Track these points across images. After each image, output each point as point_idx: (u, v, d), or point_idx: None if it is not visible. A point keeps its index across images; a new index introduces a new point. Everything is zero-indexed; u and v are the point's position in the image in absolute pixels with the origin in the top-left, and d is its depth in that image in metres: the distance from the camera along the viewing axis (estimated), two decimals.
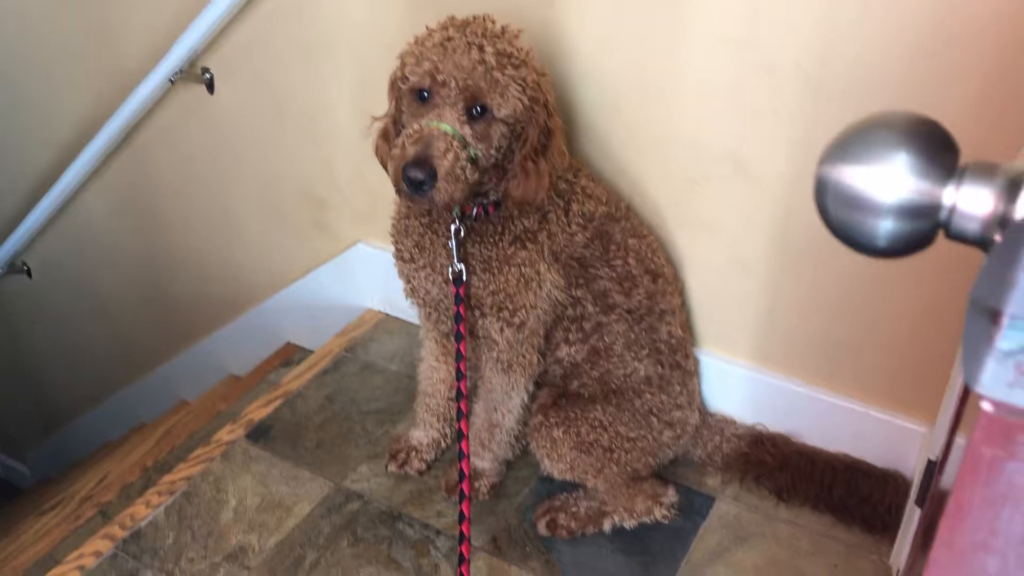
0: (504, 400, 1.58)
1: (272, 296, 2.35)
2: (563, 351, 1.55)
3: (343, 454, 1.79)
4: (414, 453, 1.72)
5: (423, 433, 1.73)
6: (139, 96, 2.11)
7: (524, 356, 1.51)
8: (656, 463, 1.64)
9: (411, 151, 1.24)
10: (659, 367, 1.57)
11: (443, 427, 1.74)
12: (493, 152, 1.31)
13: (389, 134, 1.39)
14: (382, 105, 1.43)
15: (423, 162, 1.23)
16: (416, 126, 1.27)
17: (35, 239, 2.72)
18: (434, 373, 1.70)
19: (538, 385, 1.62)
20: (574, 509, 1.60)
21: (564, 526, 1.59)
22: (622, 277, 1.51)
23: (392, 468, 1.73)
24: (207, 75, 2.06)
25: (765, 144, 1.49)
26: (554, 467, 1.56)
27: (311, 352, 2.14)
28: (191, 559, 1.59)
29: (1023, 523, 0.37)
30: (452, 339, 1.51)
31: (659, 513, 1.60)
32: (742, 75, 1.46)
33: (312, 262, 2.23)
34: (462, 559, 1.27)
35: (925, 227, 0.36)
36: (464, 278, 1.41)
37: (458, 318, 1.39)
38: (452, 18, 1.33)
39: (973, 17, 1.23)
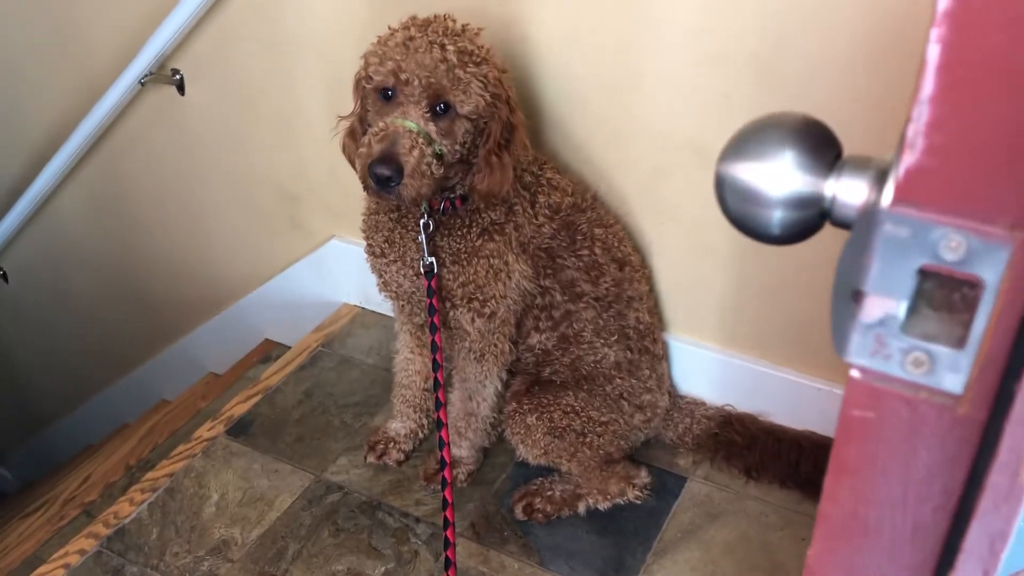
0: (479, 389, 1.61)
1: (249, 293, 2.37)
2: (534, 339, 1.59)
3: (322, 447, 1.82)
4: (392, 444, 1.76)
5: (400, 424, 1.77)
6: (110, 99, 2.12)
7: (496, 345, 1.55)
8: (628, 446, 1.68)
9: (377, 148, 1.27)
10: (628, 352, 1.61)
11: (420, 418, 1.77)
12: (458, 148, 1.35)
13: (356, 133, 1.42)
14: (350, 104, 1.46)
15: (389, 159, 1.26)
16: (382, 124, 1.30)
17: (10, 244, 2.73)
18: (409, 365, 1.73)
19: (512, 373, 1.66)
20: (549, 493, 1.64)
21: (540, 510, 1.63)
22: (589, 266, 1.55)
23: (371, 459, 1.76)
24: (177, 76, 2.08)
25: (723, 131, 1.52)
26: (529, 452, 1.60)
27: (289, 348, 2.17)
28: (175, 553, 1.62)
29: (891, 483, 0.41)
30: (426, 331, 1.54)
31: (632, 494, 1.64)
32: (699, 64, 1.49)
33: (288, 259, 2.26)
34: (447, 543, 1.31)
35: (811, 216, 0.40)
36: (435, 271, 1.45)
37: (431, 310, 1.43)
38: (414, 18, 1.36)
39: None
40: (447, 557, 1.30)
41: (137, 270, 2.62)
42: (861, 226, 0.39)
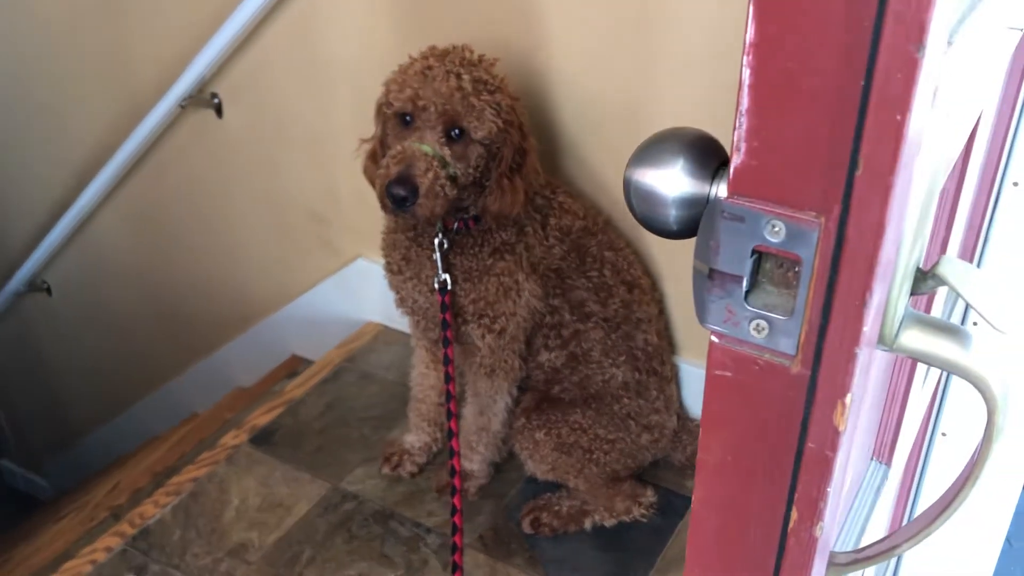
0: (490, 404, 1.67)
1: (277, 310, 2.46)
2: (543, 356, 1.64)
3: (341, 458, 1.89)
4: (407, 456, 1.82)
5: (415, 437, 1.83)
6: (151, 120, 2.24)
7: (506, 361, 1.61)
8: (635, 465, 1.72)
9: (394, 170, 1.36)
10: (636, 373, 1.66)
11: (434, 431, 1.83)
12: (471, 171, 1.42)
13: (376, 155, 1.50)
14: (374, 128, 1.54)
15: (405, 180, 1.34)
16: (399, 147, 1.38)
17: (54, 258, 2.85)
18: (424, 380, 1.80)
19: (522, 389, 1.71)
20: (557, 508, 1.68)
21: (547, 524, 1.67)
22: (598, 287, 1.61)
23: (386, 470, 1.82)
24: (215, 100, 2.19)
25: None
26: (537, 468, 1.65)
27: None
28: (195, 554, 1.69)
29: (747, 431, 0.48)
30: (440, 345, 1.61)
31: (638, 512, 1.68)
32: (713, 93, 1.55)
33: (315, 277, 2.34)
34: (455, 548, 1.36)
35: (699, 213, 0.47)
36: (449, 287, 1.52)
37: (444, 324, 1.50)
38: (433, 48, 1.45)
39: None
40: (454, 562, 1.36)
41: (172, 286, 2.72)
42: (709, 215, 0.46)
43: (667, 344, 1.78)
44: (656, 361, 1.70)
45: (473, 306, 1.53)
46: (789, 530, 0.49)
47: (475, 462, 1.74)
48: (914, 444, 1.25)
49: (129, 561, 1.68)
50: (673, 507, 1.73)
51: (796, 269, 0.43)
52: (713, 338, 0.48)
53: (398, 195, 1.35)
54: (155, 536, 1.73)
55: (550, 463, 1.64)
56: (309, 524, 1.73)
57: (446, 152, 1.38)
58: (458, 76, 1.38)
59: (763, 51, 0.39)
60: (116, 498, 2.14)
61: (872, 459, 1.00)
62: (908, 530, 0.56)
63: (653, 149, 0.48)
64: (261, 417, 2.01)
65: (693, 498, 0.53)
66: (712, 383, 0.48)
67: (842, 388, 0.43)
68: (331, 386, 2.09)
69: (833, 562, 0.59)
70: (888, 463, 1.00)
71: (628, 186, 0.49)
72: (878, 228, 0.39)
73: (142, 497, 2.02)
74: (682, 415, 1.81)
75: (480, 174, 1.45)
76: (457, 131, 1.39)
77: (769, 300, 0.45)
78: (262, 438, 1.95)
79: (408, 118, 1.40)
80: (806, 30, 0.38)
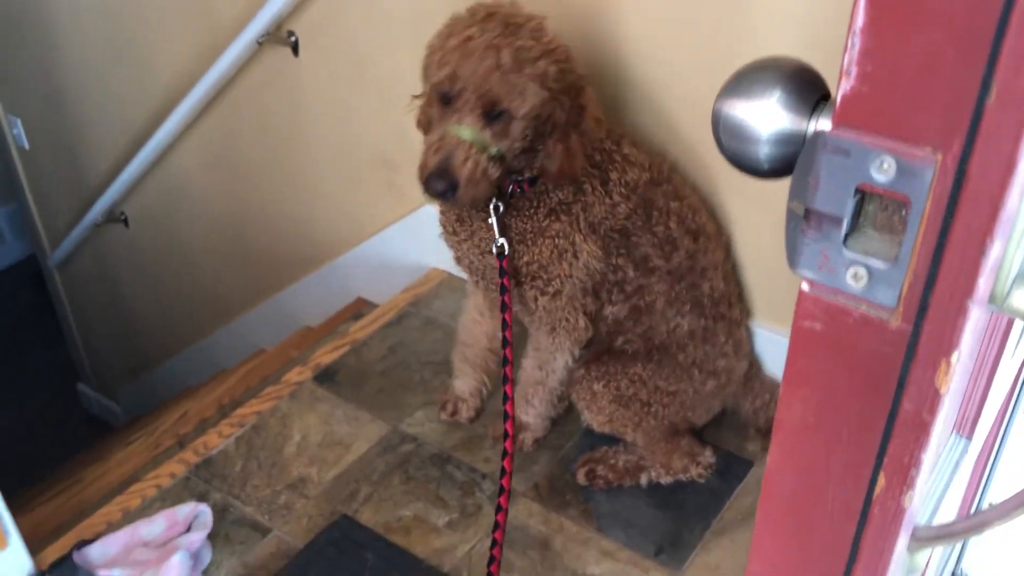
0: (549, 360, 1.64)
1: (345, 253, 2.47)
2: (606, 310, 1.61)
3: (401, 400, 1.90)
4: (460, 403, 1.81)
5: (462, 382, 1.82)
6: (229, 56, 2.25)
7: (568, 320, 1.57)
8: (699, 418, 1.69)
9: (432, 161, 1.33)
10: (703, 320, 1.61)
11: (479, 375, 1.80)
12: (517, 145, 1.38)
13: (427, 113, 1.46)
14: None
15: (444, 172, 1.32)
16: (438, 134, 1.35)
17: (132, 190, 2.92)
18: (476, 326, 1.76)
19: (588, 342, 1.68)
20: (613, 461, 1.67)
21: (602, 476, 1.66)
22: (663, 241, 1.56)
23: (444, 416, 1.82)
24: (292, 38, 2.18)
25: None
26: (594, 419, 1.63)
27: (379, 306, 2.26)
28: (255, 486, 1.72)
29: (835, 390, 0.44)
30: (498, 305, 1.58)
31: (695, 472, 1.65)
32: (793, 49, 1.48)
33: (383, 222, 2.34)
34: (501, 490, 1.34)
35: (794, 152, 0.43)
36: (507, 251, 1.47)
37: (503, 289, 1.46)
38: (478, 7, 1.38)
39: None
40: (499, 503, 1.33)
41: (243, 223, 2.76)
42: (808, 149, 0.42)
43: (736, 287, 1.72)
44: (724, 306, 1.64)
45: (526, 268, 1.50)
46: (874, 498, 0.45)
47: (529, 415, 1.73)
48: (995, 418, 1.19)
49: (192, 488, 1.72)
50: (732, 470, 1.70)
51: (904, 212, 0.39)
52: (804, 286, 0.44)
53: (438, 188, 1.33)
54: (217, 466, 1.77)
55: (607, 415, 1.62)
56: (368, 463, 1.75)
57: (487, 135, 1.34)
58: (497, 50, 1.31)
59: None
60: (183, 426, 2.20)
61: (952, 431, 0.96)
62: (1003, 507, 0.53)
63: (747, 79, 0.44)
64: (325, 356, 2.02)
65: (768, 458, 0.50)
66: (799, 336, 0.44)
67: (948, 346, 0.40)
68: (395, 330, 2.10)
69: (915, 536, 0.55)
70: (969, 437, 0.95)
71: (717, 120, 0.45)
72: (1008, 166, 0.34)
73: (207, 427, 2.07)
74: (755, 362, 1.76)
75: (530, 143, 1.40)
76: (498, 111, 1.34)
77: (870, 246, 0.41)
78: (325, 376, 1.97)
79: (448, 96, 1.35)
80: None
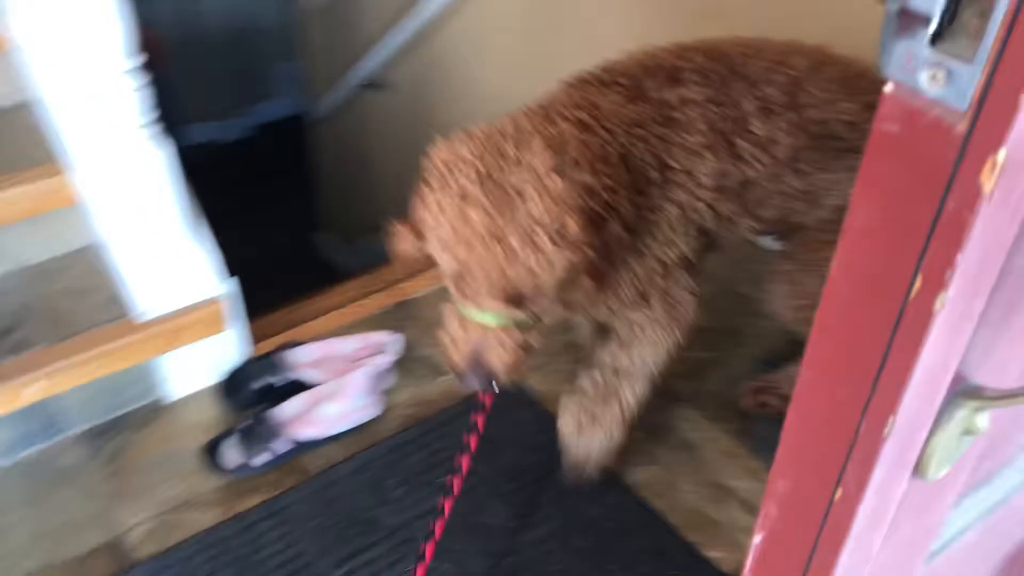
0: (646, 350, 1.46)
1: None
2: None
3: None
4: None
5: None
6: None
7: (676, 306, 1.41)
8: None
9: (458, 357, 1.15)
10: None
11: None
12: (551, 304, 1.18)
13: None
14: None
15: (477, 367, 1.13)
16: (457, 323, 1.14)
17: (395, 58, 3.10)
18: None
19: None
20: (784, 392, 1.64)
21: (774, 406, 1.63)
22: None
23: None
24: None
25: None
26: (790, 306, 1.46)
27: None
28: None
29: (901, 195, 0.43)
30: None
31: None
32: None
33: None
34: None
35: None
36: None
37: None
38: (455, 156, 1.15)
39: None
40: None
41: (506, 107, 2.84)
42: None
43: None
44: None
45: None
46: (910, 300, 0.46)
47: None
48: None
49: (387, 324, 1.89)
50: None
51: (992, 14, 0.38)
52: (888, 87, 0.44)
53: (479, 386, 1.15)
54: (412, 309, 1.93)
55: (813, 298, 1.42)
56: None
57: (514, 313, 1.10)
58: (500, 240, 1.03)
59: None
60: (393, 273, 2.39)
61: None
62: None
63: None
64: None
65: (832, 264, 0.51)
66: (877, 138, 0.45)
67: (996, 141, 0.39)
68: None
69: (980, 395, 0.54)
70: None
71: None
72: None
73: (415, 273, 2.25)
74: None
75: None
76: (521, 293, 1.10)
77: (955, 48, 0.41)
78: None
79: (458, 275, 1.10)
80: None
